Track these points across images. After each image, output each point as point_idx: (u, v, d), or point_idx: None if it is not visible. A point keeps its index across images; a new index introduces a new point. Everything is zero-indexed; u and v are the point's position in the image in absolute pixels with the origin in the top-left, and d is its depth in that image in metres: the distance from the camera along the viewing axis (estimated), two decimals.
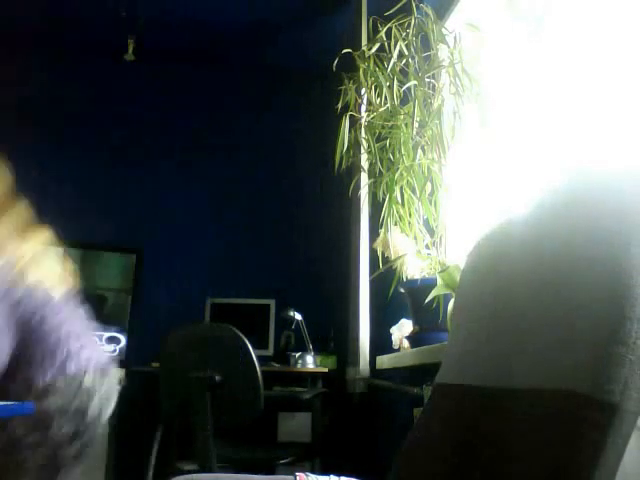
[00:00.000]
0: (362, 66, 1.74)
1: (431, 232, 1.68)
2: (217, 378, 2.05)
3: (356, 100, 1.78)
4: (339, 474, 1.00)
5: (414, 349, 1.65)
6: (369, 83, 1.74)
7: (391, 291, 1.67)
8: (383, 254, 1.70)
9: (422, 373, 1.87)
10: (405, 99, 1.72)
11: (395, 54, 1.66)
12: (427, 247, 1.70)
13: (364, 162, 1.85)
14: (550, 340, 0.68)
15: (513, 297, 0.80)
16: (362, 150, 1.81)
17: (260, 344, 3.18)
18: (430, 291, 1.46)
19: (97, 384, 1.23)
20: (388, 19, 1.72)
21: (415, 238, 1.71)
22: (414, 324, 1.69)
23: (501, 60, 1.68)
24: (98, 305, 3.30)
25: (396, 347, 1.95)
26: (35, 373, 1.24)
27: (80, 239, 3.32)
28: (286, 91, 3.93)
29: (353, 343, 2.65)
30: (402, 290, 1.69)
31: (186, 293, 3.51)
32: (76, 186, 3.54)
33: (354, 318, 2.66)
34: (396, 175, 1.65)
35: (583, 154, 1.36)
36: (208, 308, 3.40)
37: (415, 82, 1.60)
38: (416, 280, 1.61)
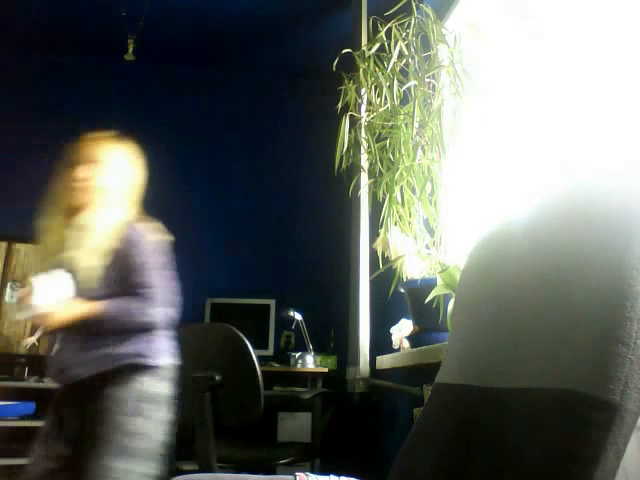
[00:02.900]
0: (362, 66, 1.74)
1: (431, 232, 1.69)
2: (217, 378, 2.05)
3: (356, 100, 1.78)
4: (339, 474, 1.00)
5: (414, 349, 1.65)
6: (369, 83, 1.74)
7: (391, 291, 1.67)
8: (383, 254, 1.70)
9: (422, 373, 1.87)
10: (405, 99, 1.72)
11: (395, 54, 1.66)
12: (427, 247, 1.70)
13: (364, 162, 1.85)
14: (550, 340, 0.68)
15: (513, 297, 0.80)
16: (362, 150, 1.81)
17: (260, 344, 3.18)
18: (430, 291, 1.46)
19: None
20: (388, 19, 1.72)
21: (415, 238, 1.71)
22: (414, 324, 1.69)
23: (501, 60, 1.68)
24: None
25: (396, 347, 1.95)
26: None
27: None
28: (286, 91, 3.93)
29: (353, 343, 2.65)
30: (402, 290, 1.69)
31: (186, 293, 3.50)
32: None
33: (354, 318, 2.66)
34: (396, 175, 1.65)
35: (584, 153, 1.36)
36: (208, 308, 3.40)
37: (415, 82, 1.60)
38: (416, 280, 1.61)
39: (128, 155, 1.85)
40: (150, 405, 1.61)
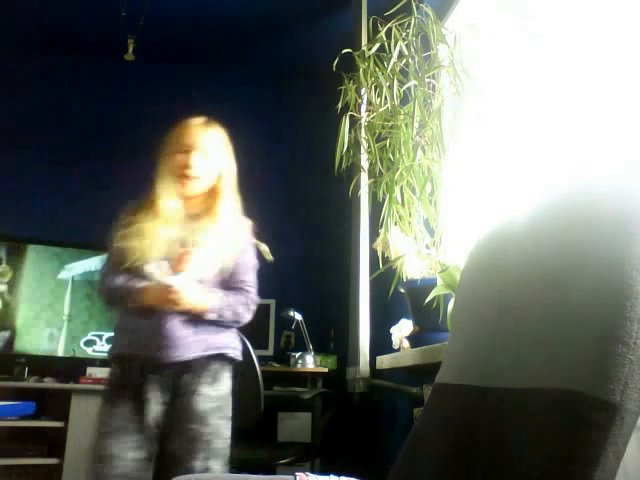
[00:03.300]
0: (362, 66, 1.73)
1: (431, 232, 1.68)
2: None
3: (356, 100, 1.78)
4: (339, 474, 1.00)
5: (414, 349, 1.65)
6: (369, 83, 1.74)
7: (391, 291, 1.67)
8: (383, 254, 1.70)
9: (422, 373, 1.87)
10: (405, 99, 1.72)
11: (395, 54, 1.66)
12: (427, 247, 1.70)
13: (364, 162, 1.85)
14: (550, 340, 0.68)
15: (513, 297, 0.80)
16: (362, 150, 1.81)
17: (260, 344, 3.18)
18: (430, 291, 1.47)
19: None
20: (388, 19, 1.72)
21: (415, 238, 1.71)
22: (414, 324, 1.69)
23: (501, 60, 1.68)
24: (99, 305, 3.30)
25: (396, 347, 1.95)
26: None
27: (79, 239, 3.33)
28: (286, 91, 3.93)
29: (353, 343, 2.65)
30: (402, 290, 1.69)
31: None
32: (73, 186, 3.54)
33: (354, 318, 2.66)
34: (396, 175, 1.65)
35: (584, 154, 1.36)
36: None
37: (415, 82, 1.60)
38: (416, 280, 1.61)
39: (228, 141, 1.79)
40: (230, 405, 1.62)
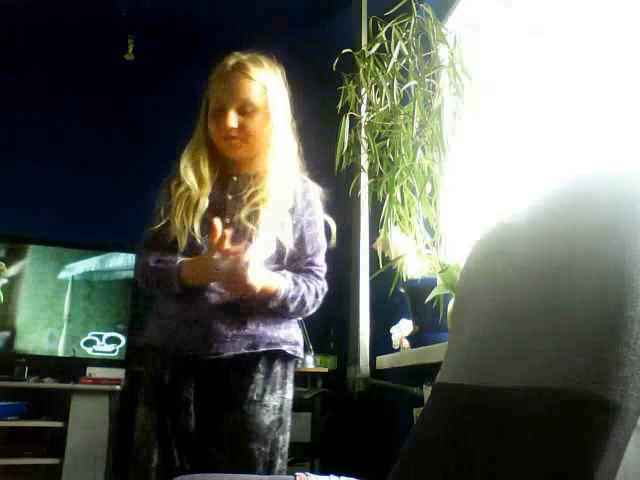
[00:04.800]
0: (362, 66, 1.73)
1: (431, 232, 1.68)
2: None
3: (356, 100, 1.78)
4: (339, 474, 1.00)
5: (414, 349, 1.65)
6: (369, 83, 1.74)
7: (391, 291, 1.67)
8: (383, 254, 1.70)
9: (422, 373, 1.87)
10: (405, 99, 1.72)
11: (395, 54, 1.66)
12: (427, 247, 1.70)
13: (364, 162, 1.85)
14: (551, 339, 0.68)
15: (513, 296, 0.80)
16: (362, 150, 1.81)
17: None
18: (430, 291, 1.47)
19: None
20: (388, 19, 1.72)
21: (415, 238, 1.71)
22: (414, 324, 1.69)
23: (501, 58, 1.68)
24: (99, 305, 3.30)
25: (396, 347, 1.95)
26: None
27: (80, 239, 3.33)
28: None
29: (353, 343, 2.65)
30: (402, 290, 1.69)
31: None
32: (73, 186, 3.54)
33: (354, 318, 2.66)
34: (396, 175, 1.65)
35: (584, 152, 1.36)
36: None
37: (415, 82, 1.60)
38: (416, 280, 1.61)
39: (279, 80, 1.49)
40: (290, 416, 1.34)
